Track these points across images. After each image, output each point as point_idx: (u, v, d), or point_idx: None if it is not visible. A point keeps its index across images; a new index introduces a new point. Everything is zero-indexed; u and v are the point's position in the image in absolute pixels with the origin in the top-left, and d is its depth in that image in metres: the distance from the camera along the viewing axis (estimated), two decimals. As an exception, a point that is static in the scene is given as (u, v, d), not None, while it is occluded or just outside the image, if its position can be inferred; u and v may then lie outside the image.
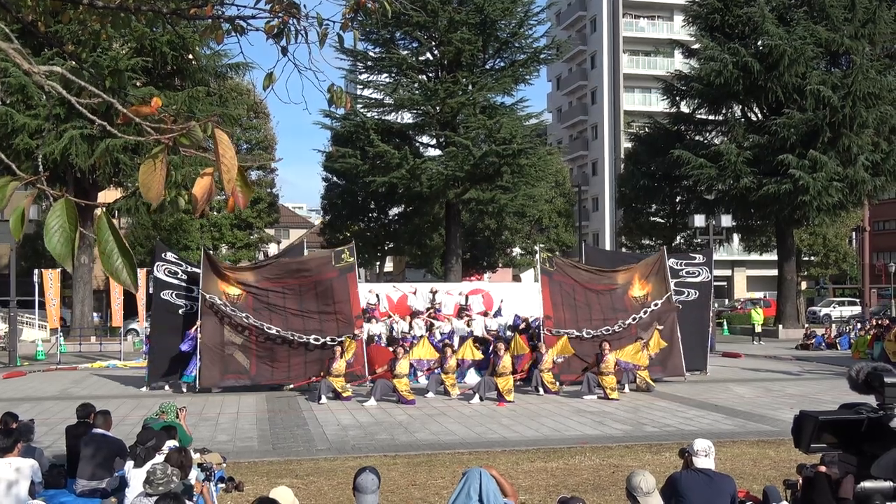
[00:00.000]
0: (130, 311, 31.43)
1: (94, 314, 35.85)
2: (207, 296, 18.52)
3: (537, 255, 20.54)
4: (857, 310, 48.48)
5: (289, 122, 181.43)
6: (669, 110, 43.09)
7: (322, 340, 18.66)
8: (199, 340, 18.36)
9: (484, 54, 37.90)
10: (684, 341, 20.83)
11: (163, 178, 2.15)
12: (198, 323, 18.57)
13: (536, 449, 12.21)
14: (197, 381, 18.43)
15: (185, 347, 18.62)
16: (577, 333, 19.55)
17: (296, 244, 24.33)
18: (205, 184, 2.20)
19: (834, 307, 53.11)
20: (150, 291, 19.57)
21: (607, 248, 60.85)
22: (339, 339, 18.38)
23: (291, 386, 18.72)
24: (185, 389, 18.81)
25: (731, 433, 13.42)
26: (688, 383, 20.30)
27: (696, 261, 22.16)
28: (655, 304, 20.53)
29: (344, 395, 17.41)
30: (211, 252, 23.23)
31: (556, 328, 19.38)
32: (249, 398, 17.90)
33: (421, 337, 19.62)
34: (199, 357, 18.39)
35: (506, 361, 17.55)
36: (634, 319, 20.30)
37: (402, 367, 17.32)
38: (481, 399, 17.22)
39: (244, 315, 18.57)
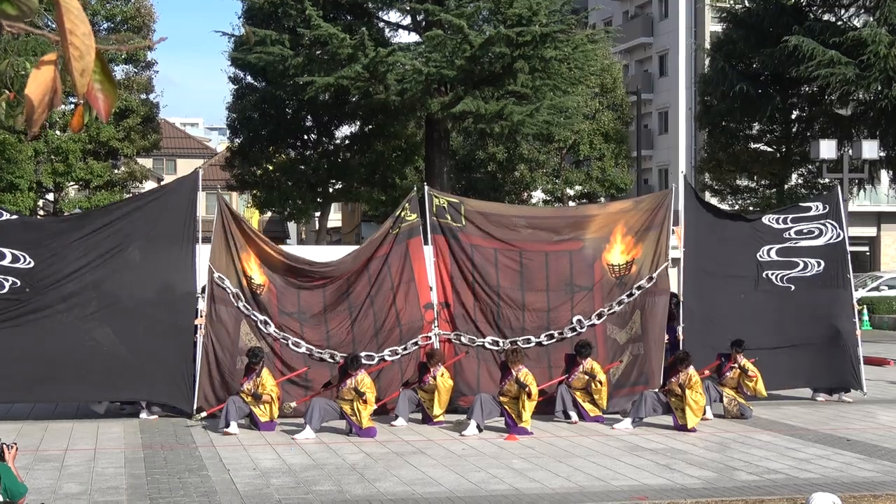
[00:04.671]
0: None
1: None
2: (216, 275, 18.85)
3: (427, 201, 19.81)
4: None
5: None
6: (783, -28, 43.04)
7: (377, 357, 18.86)
8: (201, 341, 18.79)
9: None
10: (809, 343, 20.16)
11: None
12: (201, 314, 18.94)
13: (567, 507, 12.33)
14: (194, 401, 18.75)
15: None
16: (481, 341, 19.24)
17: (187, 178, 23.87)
18: (44, 79, 2.17)
19: None
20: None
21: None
22: (406, 352, 19.07)
23: (205, 413, 18.74)
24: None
25: (873, 483, 13.55)
26: (806, 406, 20.43)
27: (813, 212, 21.29)
28: (649, 279, 19.49)
29: (262, 419, 17.49)
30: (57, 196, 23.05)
31: (459, 330, 19.34)
32: (114, 426, 17.93)
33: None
34: (197, 366, 18.79)
35: (522, 376, 17.46)
36: (609, 309, 19.24)
37: (365, 381, 17.29)
38: (479, 429, 17.35)
39: (263, 319, 18.87)
